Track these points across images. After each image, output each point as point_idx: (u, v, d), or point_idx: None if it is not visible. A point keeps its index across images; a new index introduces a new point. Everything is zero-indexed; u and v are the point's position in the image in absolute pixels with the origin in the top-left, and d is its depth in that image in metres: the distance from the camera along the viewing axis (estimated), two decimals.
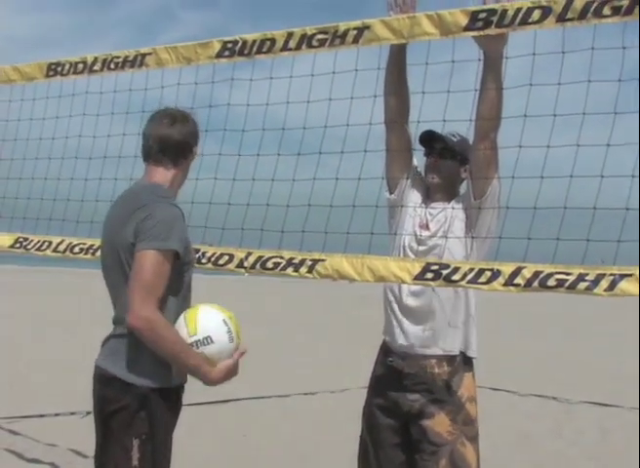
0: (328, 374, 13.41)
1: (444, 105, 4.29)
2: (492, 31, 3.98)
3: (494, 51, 4.12)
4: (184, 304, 3.80)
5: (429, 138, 4.52)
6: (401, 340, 4.37)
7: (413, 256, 4.33)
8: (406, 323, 4.36)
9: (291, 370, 13.61)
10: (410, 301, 4.36)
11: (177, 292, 3.78)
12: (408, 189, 4.56)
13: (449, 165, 4.49)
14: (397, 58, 4.43)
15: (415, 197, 4.54)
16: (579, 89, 3.96)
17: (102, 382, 3.84)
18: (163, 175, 3.95)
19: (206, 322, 3.65)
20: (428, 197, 4.53)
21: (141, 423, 3.70)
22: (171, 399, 3.81)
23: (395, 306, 4.42)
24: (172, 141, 3.93)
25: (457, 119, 4.38)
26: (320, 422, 9.66)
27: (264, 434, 8.91)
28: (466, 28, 4.04)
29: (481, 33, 4.02)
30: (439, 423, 4.27)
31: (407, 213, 4.50)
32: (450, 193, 4.51)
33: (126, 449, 3.71)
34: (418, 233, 4.42)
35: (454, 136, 4.51)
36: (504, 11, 3.92)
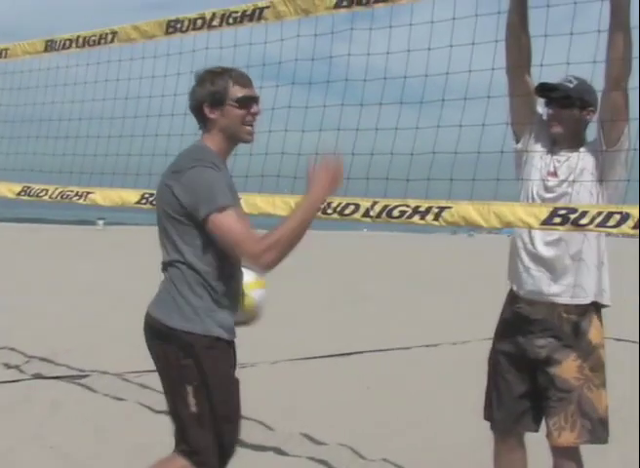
0: (449, 327, 13.42)
1: (566, 49, 4.22)
2: None
3: None
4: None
5: (545, 89, 4.45)
6: (529, 288, 4.35)
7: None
8: (534, 270, 4.33)
9: (412, 323, 13.65)
10: (540, 249, 4.31)
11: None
12: (534, 137, 4.50)
13: (570, 114, 4.40)
14: (518, 3, 4.36)
15: (541, 145, 4.47)
16: None
17: (150, 332, 3.93)
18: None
19: None
20: (555, 144, 4.46)
21: (190, 371, 3.74)
22: (219, 348, 3.81)
23: (524, 254, 4.38)
24: (191, 107, 3.98)
25: (579, 61, 4.29)
26: (443, 374, 9.69)
27: (388, 386, 8.97)
28: None
29: None
30: (566, 370, 4.25)
31: (534, 160, 4.44)
32: (576, 140, 4.42)
33: (183, 397, 3.77)
34: (546, 180, 4.36)
35: (570, 81, 4.40)
36: None
